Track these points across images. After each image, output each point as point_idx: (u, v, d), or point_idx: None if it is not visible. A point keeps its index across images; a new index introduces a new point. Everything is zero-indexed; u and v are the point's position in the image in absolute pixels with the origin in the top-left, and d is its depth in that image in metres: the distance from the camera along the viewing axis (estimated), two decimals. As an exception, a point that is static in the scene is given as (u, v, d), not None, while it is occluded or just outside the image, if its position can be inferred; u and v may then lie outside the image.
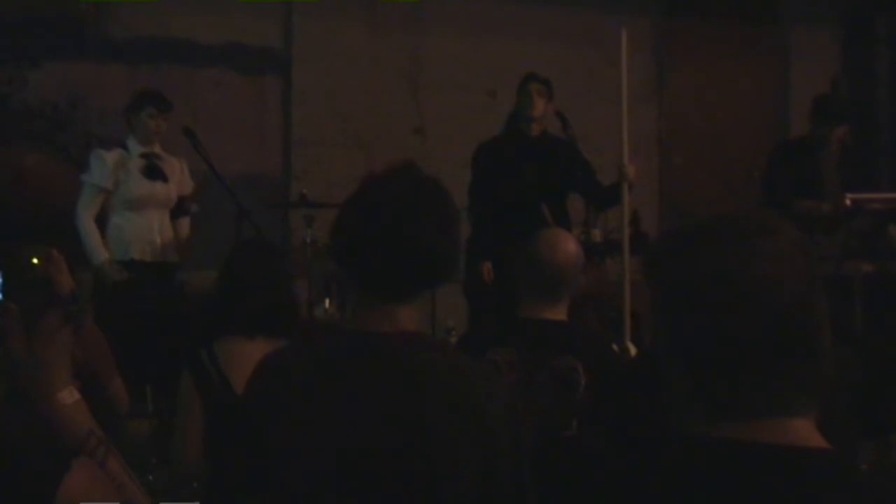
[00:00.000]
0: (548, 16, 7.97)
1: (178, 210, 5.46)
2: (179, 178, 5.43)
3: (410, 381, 1.86)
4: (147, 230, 5.28)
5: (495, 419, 1.86)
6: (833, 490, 1.21)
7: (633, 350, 3.54)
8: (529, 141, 5.56)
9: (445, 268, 1.96)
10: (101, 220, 5.28)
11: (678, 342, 1.29)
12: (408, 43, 7.79)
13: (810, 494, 1.20)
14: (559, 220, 5.47)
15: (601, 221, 6.11)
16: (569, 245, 3.06)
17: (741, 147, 8.32)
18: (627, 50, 4.96)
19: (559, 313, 3.02)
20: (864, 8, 8.98)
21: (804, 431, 1.26)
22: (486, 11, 7.85)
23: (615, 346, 3.47)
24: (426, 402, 1.84)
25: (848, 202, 5.67)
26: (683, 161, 8.59)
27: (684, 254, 1.31)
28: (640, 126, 5.84)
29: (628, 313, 5.00)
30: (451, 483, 1.83)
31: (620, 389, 3.05)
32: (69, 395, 1.45)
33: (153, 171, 5.29)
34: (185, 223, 5.52)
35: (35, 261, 1.44)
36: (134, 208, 5.24)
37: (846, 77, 8.96)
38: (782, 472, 1.21)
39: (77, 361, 2.40)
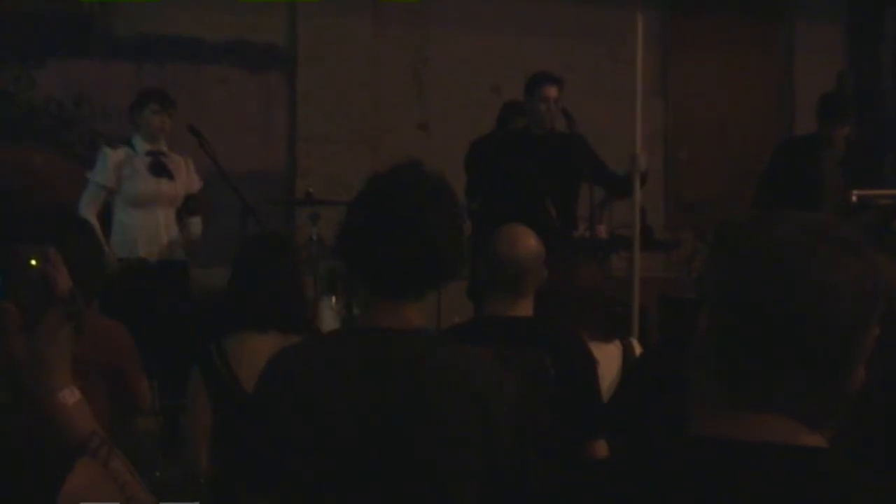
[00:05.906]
0: (553, 11, 7.95)
1: (186, 208, 5.46)
2: (186, 176, 5.42)
3: (416, 376, 1.89)
4: (153, 228, 5.28)
5: (499, 412, 1.90)
6: (830, 489, 1.21)
7: (638, 348, 3.50)
8: (536, 138, 5.54)
9: (452, 265, 1.98)
10: (108, 218, 5.28)
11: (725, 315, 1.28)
12: (412, 39, 7.78)
13: (804, 493, 1.20)
14: (564, 216, 5.45)
15: (606, 217, 6.10)
16: (529, 240, 3.03)
17: (746, 141, 8.30)
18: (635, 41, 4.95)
19: (524, 309, 2.99)
20: (871, 2, 8.95)
21: (800, 432, 1.25)
22: (490, 7, 7.84)
23: (620, 343, 3.45)
24: (431, 396, 1.88)
25: (854, 198, 5.64)
26: (689, 155, 8.58)
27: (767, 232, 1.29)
28: (645, 121, 5.82)
29: (637, 310, 4.97)
30: (455, 473, 1.87)
31: (630, 389, 3.03)
32: (70, 395, 1.44)
33: (159, 169, 5.29)
34: (196, 222, 5.52)
35: (33, 261, 1.44)
36: (140, 206, 5.25)
37: (852, 72, 8.93)
38: (779, 470, 1.21)
39: (85, 359, 2.40)
